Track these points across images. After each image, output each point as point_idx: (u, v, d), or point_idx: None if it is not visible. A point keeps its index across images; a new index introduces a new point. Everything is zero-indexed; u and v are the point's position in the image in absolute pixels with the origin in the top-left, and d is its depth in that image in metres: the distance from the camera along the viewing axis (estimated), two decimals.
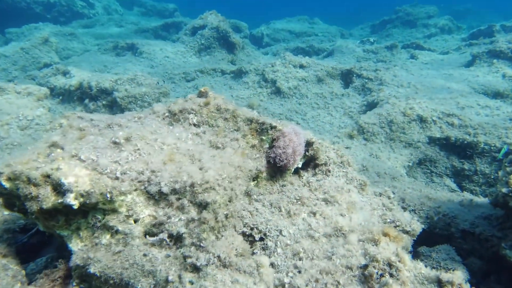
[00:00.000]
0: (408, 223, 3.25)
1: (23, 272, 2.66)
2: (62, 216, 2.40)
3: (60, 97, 7.74)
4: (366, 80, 8.61)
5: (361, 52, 11.86)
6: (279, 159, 3.14)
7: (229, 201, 2.67)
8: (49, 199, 2.26)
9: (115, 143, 2.74)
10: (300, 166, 3.54)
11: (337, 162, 3.69)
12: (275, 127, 3.31)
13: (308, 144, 3.51)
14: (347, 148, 6.21)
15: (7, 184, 2.30)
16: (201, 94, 3.63)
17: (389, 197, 3.59)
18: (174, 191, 2.53)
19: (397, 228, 3.18)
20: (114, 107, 7.21)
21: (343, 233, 2.78)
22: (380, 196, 3.60)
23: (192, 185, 2.53)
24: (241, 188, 2.82)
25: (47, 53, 10.99)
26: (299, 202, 3.15)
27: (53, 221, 2.37)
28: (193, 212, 2.49)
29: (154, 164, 2.63)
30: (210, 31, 11.66)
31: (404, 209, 4.39)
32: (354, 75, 8.84)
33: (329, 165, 3.62)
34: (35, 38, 10.85)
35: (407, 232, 3.20)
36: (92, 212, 2.42)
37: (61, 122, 3.26)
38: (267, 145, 3.32)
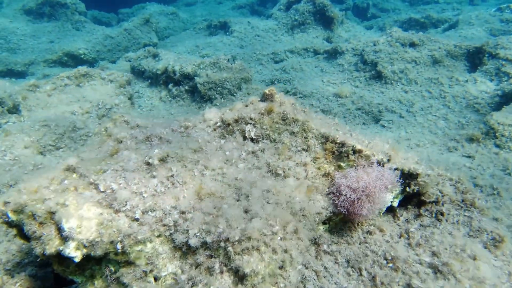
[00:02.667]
0: None
1: None
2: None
3: (149, 80, 7.82)
4: (504, 62, 6.51)
5: (498, 23, 9.19)
6: (342, 204, 2.17)
7: (281, 268, 1.87)
8: (52, 243, 1.82)
9: (147, 164, 2.16)
10: (396, 204, 2.49)
11: (456, 201, 2.51)
12: (360, 151, 2.32)
13: (411, 176, 2.42)
14: (468, 157, 4.69)
15: (13, 217, 1.93)
16: (265, 97, 2.82)
17: None
18: (205, 245, 1.84)
19: None
20: (195, 93, 6.91)
21: None
22: None
23: (227, 240, 1.80)
24: (300, 245, 1.97)
25: (147, 34, 11.41)
26: (390, 265, 2.16)
27: (62, 266, 1.95)
28: (225, 281, 1.77)
29: (187, 200, 1.97)
30: (306, 5, 10.48)
31: None
32: (486, 55, 6.78)
33: (443, 205, 2.48)
34: (137, 19, 11.33)
35: None
36: (105, 262, 1.92)
37: (108, 126, 2.86)
38: None
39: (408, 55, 7.24)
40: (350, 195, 2.14)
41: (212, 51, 10.43)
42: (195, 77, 6.88)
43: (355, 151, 2.33)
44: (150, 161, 2.13)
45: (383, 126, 6.55)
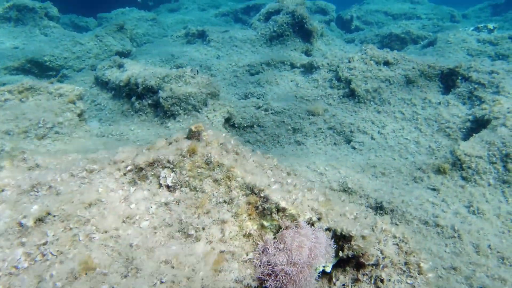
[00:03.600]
0: None
1: None
2: None
3: (113, 92, 7.41)
4: (476, 86, 6.31)
5: (474, 42, 9.07)
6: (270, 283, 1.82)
7: None
8: None
9: (19, 225, 1.78)
10: (329, 270, 2.15)
11: (398, 264, 2.19)
12: (284, 209, 1.98)
13: (344, 238, 2.10)
14: (433, 189, 4.42)
15: None
16: (191, 135, 2.46)
17: None
18: None
19: None
20: (159, 107, 6.53)
21: None
22: None
23: None
24: None
25: (120, 41, 10.99)
26: None
27: None
28: None
29: (52, 281, 1.59)
30: (284, 17, 10.22)
31: None
32: (459, 77, 6.59)
33: (383, 269, 2.16)
34: (110, 25, 10.91)
35: None
36: None
37: (3, 164, 2.46)
38: (271, 236, 2.02)
39: (382, 74, 7.01)
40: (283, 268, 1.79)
41: (187, 60, 10.07)
42: (159, 91, 6.50)
43: (279, 209, 2.00)
44: (23, 221, 1.76)
45: (354, 148, 6.28)
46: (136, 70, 7.22)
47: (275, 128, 7.26)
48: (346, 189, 4.10)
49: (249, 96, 8.39)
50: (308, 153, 6.31)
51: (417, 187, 4.36)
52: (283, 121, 7.31)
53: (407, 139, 5.99)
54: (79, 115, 5.27)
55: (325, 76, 7.92)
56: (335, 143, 6.55)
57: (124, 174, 2.26)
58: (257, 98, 8.27)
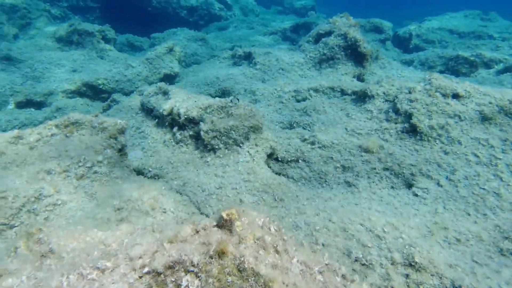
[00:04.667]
0: None
1: None
2: None
3: (156, 120, 7.30)
4: None
5: None
6: None
7: None
8: None
9: None
10: None
11: None
12: None
13: None
14: None
15: None
16: (222, 223, 1.99)
17: None
18: None
19: None
20: (199, 139, 6.24)
21: None
22: None
23: None
24: None
25: (169, 63, 11.09)
26: None
27: None
28: None
29: None
30: (336, 39, 9.62)
31: None
32: None
33: None
34: (160, 47, 11.07)
35: None
36: None
37: (18, 245, 2.18)
38: None
39: (451, 108, 6.11)
40: None
41: (231, 84, 9.83)
42: (200, 122, 6.22)
43: None
44: None
45: (416, 195, 5.45)
46: (179, 98, 7.04)
47: (322, 164, 6.63)
48: (412, 263, 3.37)
49: (294, 125, 7.85)
50: (361, 198, 5.59)
51: (506, 264, 3.49)
52: (331, 157, 6.66)
53: (484, 189, 5.06)
54: (120, 150, 5.12)
55: (380, 107, 7.16)
56: (392, 187, 5.76)
57: (140, 277, 1.84)
58: (303, 129, 7.71)
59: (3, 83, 9.37)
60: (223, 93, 9.79)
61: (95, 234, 2.29)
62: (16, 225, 3.45)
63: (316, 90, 8.73)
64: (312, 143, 6.92)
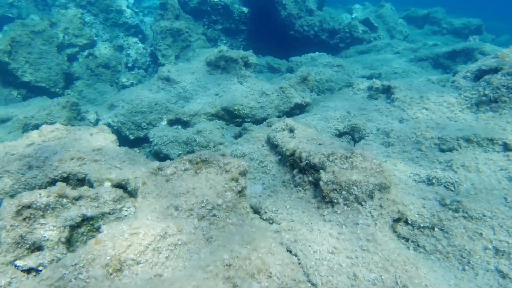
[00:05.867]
0: None
1: None
2: None
3: (279, 157, 7.33)
4: None
5: None
6: None
7: None
8: None
9: None
10: None
11: None
12: None
13: None
14: None
15: None
16: None
17: None
18: None
19: None
20: (318, 188, 5.92)
21: None
22: None
23: None
24: None
25: (301, 92, 11.15)
26: None
27: None
28: None
29: None
30: (504, 78, 7.83)
31: None
32: None
33: None
34: (295, 77, 11.23)
35: None
36: None
37: None
38: None
39: None
40: None
41: (363, 121, 9.16)
42: (321, 170, 5.90)
43: None
44: None
45: None
46: (304, 138, 6.89)
47: (467, 240, 5.41)
48: None
49: (433, 181, 6.69)
50: None
51: None
52: (481, 233, 5.38)
53: None
54: (239, 192, 5.29)
55: None
56: None
57: None
58: (445, 188, 6.49)
59: (162, 101, 11.09)
60: (353, 130, 9.21)
61: None
62: (142, 261, 3.88)
63: (468, 140, 7.28)
64: (456, 210, 5.75)
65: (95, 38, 15.04)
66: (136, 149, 11.04)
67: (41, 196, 3.86)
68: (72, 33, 14.04)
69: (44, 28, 12.65)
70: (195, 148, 9.19)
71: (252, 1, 19.77)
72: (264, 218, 5.85)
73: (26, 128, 8.96)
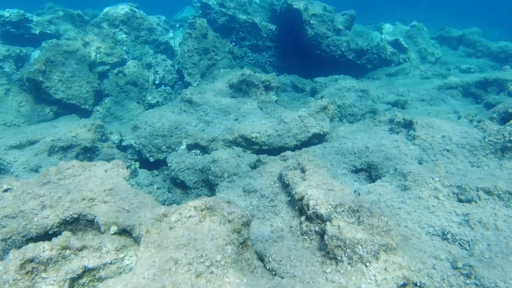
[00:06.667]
0: None
1: None
2: None
3: (289, 198, 7.28)
4: None
5: None
6: None
7: None
8: None
9: None
10: None
11: None
12: None
13: None
14: None
15: None
16: None
17: None
18: None
19: None
20: (323, 240, 5.82)
21: None
22: None
23: None
24: None
25: (320, 121, 11.03)
26: None
27: None
28: None
29: None
30: None
31: None
32: None
33: None
34: (314, 105, 11.12)
35: None
36: None
37: None
38: None
39: None
40: None
41: (381, 159, 8.91)
42: (327, 222, 5.81)
43: None
44: None
45: None
46: (314, 182, 6.80)
47: None
48: None
49: (448, 237, 6.39)
50: None
51: None
52: None
53: None
54: (242, 243, 5.30)
55: None
56: None
57: None
58: (460, 246, 6.18)
59: (182, 125, 11.34)
60: (370, 167, 8.99)
61: None
62: None
63: (488, 192, 6.91)
64: (467, 276, 5.47)
65: (125, 56, 15.65)
66: (155, 171, 11.36)
67: (44, 250, 4.08)
68: (104, 52, 14.71)
69: (78, 48, 13.32)
70: (210, 177, 9.33)
71: (280, 19, 19.82)
72: (268, 268, 5.83)
73: (52, 149, 9.45)
